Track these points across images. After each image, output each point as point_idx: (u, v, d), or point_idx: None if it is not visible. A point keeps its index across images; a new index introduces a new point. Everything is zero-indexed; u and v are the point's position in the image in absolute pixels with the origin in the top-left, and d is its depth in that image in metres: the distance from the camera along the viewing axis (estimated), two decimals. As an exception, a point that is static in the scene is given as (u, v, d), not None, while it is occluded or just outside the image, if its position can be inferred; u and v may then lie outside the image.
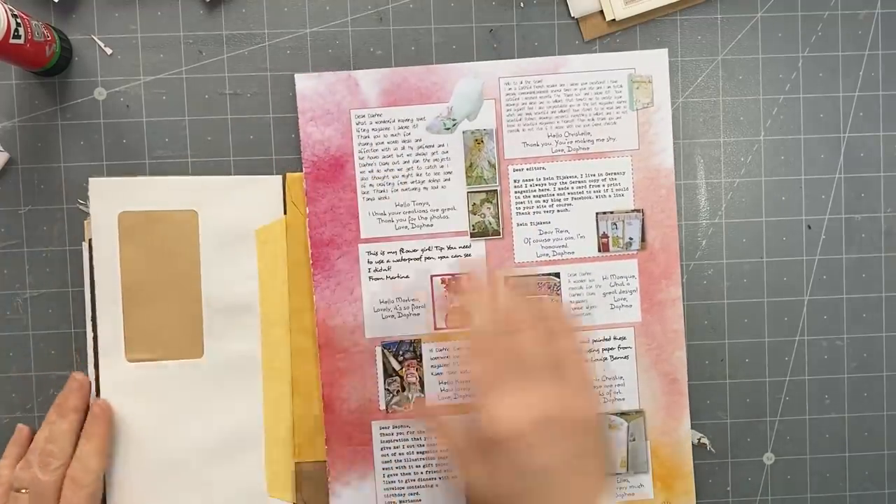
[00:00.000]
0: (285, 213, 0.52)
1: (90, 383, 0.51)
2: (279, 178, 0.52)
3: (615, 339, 0.53)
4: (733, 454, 0.54)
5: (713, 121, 0.53)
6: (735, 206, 0.54)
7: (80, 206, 0.52)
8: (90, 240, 0.51)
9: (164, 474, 0.51)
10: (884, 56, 0.53)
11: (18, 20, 0.45)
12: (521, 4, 0.53)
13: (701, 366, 0.53)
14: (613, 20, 0.52)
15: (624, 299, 0.53)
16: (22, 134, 0.52)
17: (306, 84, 0.52)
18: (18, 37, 0.45)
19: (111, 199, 0.50)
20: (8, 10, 0.44)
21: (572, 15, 0.52)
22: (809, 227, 0.54)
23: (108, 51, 0.52)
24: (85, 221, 0.51)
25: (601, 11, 0.52)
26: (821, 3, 0.53)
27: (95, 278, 0.50)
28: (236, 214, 0.51)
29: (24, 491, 0.47)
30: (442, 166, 0.52)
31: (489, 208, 0.52)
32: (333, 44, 0.52)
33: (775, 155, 0.54)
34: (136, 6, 0.52)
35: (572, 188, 0.53)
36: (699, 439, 0.53)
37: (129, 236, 0.51)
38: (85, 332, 0.51)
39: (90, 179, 0.51)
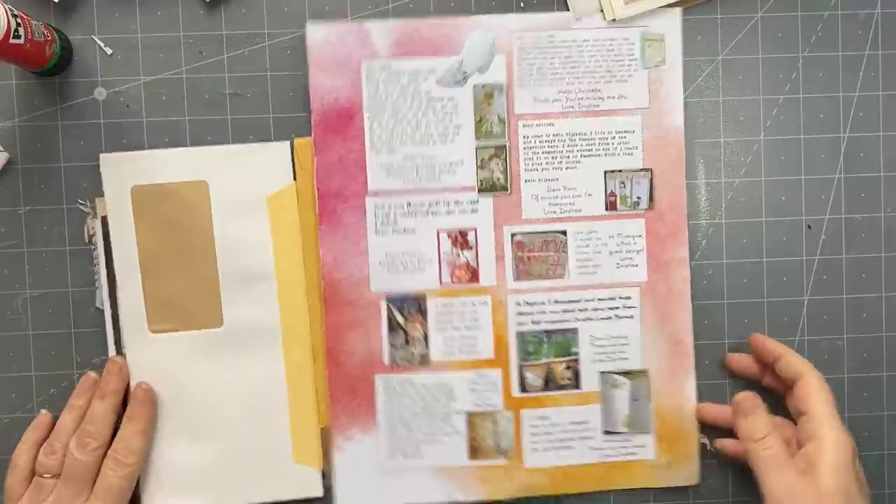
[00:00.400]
0: (295, 178, 0.52)
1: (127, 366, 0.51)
2: (287, 143, 0.52)
3: (620, 298, 0.53)
4: (733, 454, 0.54)
5: (713, 121, 0.53)
6: (735, 206, 0.54)
7: (80, 206, 0.52)
8: (103, 217, 0.51)
9: (189, 444, 0.51)
10: (884, 56, 0.53)
11: (18, 20, 0.45)
12: (521, 4, 0.52)
13: (701, 366, 0.53)
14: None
15: (630, 259, 0.52)
16: (22, 134, 0.52)
17: (317, 34, 0.51)
18: (18, 37, 0.45)
19: (123, 174, 0.51)
20: (8, 11, 0.44)
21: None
22: (809, 227, 0.54)
23: (108, 51, 0.52)
24: (97, 199, 0.51)
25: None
26: (821, 3, 0.53)
27: (114, 253, 0.51)
28: (246, 182, 0.51)
29: (47, 476, 0.47)
30: (451, 120, 0.52)
31: (497, 164, 0.52)
32: (333, 44, 0.52)
33: (775, 155, 0.54)
34: (136, 6, 0.52)
35: (581, 146, 0.52)
36: (701, 440, 0.53)
37: (142, 209, 0.51)
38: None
39: (101, 155, 0.51)
